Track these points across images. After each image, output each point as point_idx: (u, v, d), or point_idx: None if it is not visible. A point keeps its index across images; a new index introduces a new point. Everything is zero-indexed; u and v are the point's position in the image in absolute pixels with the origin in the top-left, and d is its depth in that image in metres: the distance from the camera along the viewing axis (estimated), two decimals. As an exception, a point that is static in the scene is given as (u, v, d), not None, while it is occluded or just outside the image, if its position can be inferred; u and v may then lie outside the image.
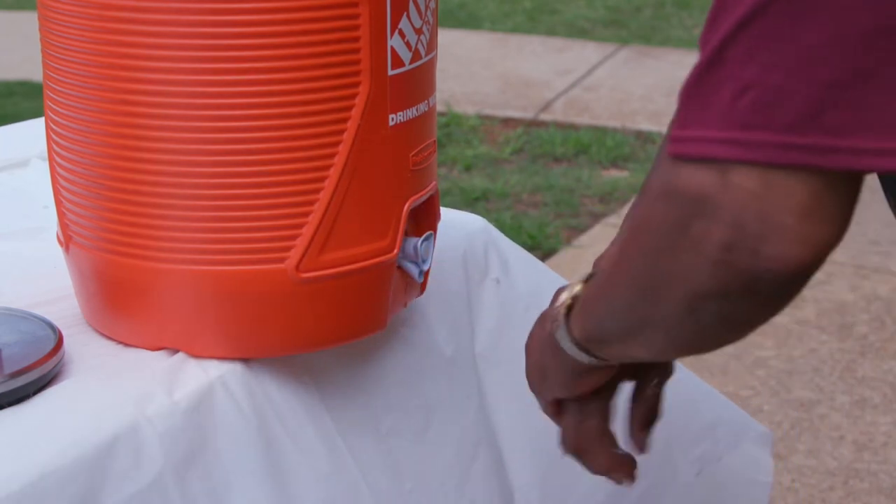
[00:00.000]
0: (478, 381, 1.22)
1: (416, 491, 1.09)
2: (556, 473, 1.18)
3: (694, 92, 0.77)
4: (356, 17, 1.00)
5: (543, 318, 0.98)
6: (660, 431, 1.14)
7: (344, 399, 1.09)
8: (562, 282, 1.33)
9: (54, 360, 1.04)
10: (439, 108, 4.37)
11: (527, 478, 1.17)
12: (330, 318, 1.08)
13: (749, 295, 0.78)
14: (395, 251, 1.08)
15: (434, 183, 1.14)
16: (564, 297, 0.95)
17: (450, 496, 1.11)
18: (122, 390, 1.02)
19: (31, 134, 1.51)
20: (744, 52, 0.74)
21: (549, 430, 1.04)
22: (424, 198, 1.11)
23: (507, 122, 4.42)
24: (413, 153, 1.08)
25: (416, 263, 1.13)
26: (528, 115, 4.46)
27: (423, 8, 1.06)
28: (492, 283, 1.26)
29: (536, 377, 1.00)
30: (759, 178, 0.74)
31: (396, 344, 1.15)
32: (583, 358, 0.94)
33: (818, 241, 0.75)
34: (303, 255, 1.03)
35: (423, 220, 1.14)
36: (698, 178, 0.76)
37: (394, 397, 1.13)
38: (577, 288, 0.95)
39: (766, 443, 1.33)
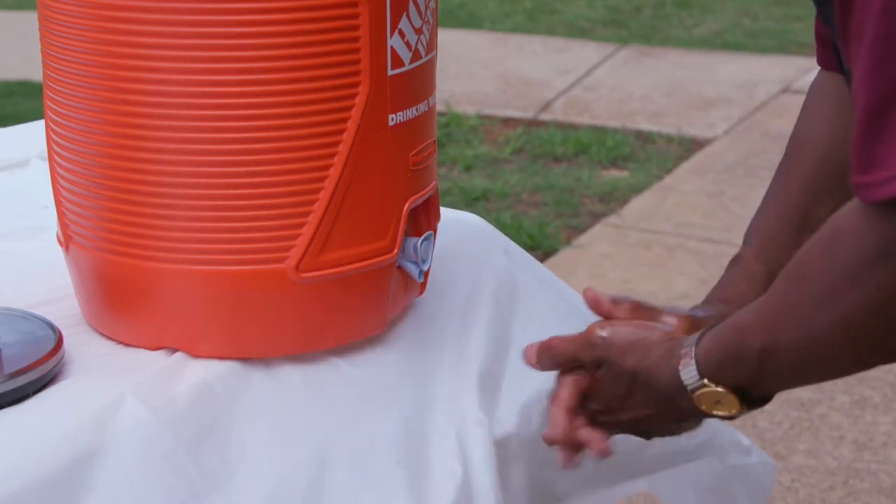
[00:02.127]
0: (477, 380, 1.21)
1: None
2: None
3: (877, 133, 0.73)
4: (356, 17, 1.00)
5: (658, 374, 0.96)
6: None
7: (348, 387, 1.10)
8: (560, 283, 1.33)
9: (54, 360, 1.04)
10: (439, 108, 4.37)
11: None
12: (330, 317, 1.08)
13: None
14: (395, 251, 1.08)
15: (434, 183, 1.14)
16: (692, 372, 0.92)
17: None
18: (123, 389, 1.02)
19: (31, 134, 1.51)
20: None
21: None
22: (424, 198, 1.11)
23: (507, 122, 4.42)
24: (413, 153, 1.08)
25: (416, 263, 1.13)
26: (528, 114, 4.46)
27: (422, 8, 1.06)
28: (490, 279, 1.26)
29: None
30: None
31: (397, 341, 1.15)
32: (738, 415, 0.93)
33: None
34: (303, 255, 1.03)
35: (423, 220, 1.14)
36: None
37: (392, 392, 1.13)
38: (730, 396, 0.91)
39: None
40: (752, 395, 0.91)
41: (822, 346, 0.83)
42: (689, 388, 0.92)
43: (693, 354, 0.92)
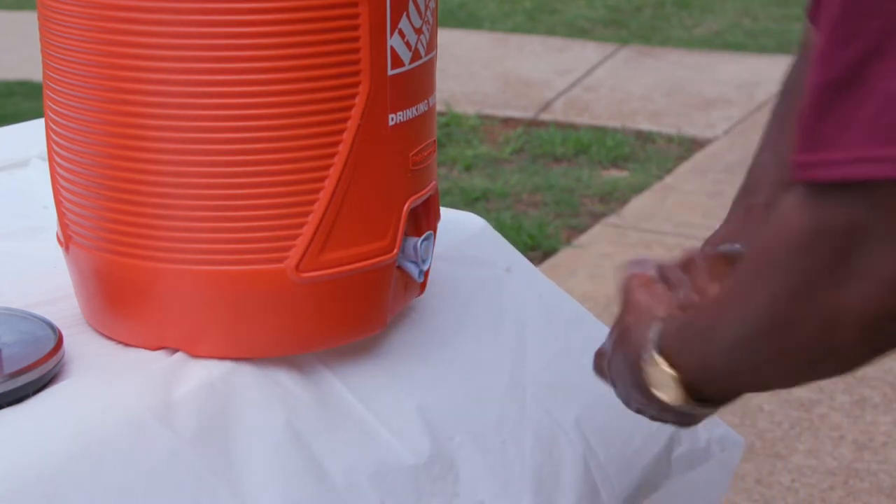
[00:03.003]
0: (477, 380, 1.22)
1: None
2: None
3: (827, 112, 0.71)
4: (356, 16, 1.00)
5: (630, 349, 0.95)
6: None
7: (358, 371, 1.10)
8: (554, 287, 1.33)
9: (54, 360, 1.04)
10: (439, 108, 4.37)
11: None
12: (330, 317, 1.08)
13: None
14: (395, 251, 1.08)
15: (434, 183, 1.14)
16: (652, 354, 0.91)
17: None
18: (123, 389, 1.02)
19: (31, 134, 1.51)
20: (891, 68, 0.69)
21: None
22: (424, 198, 1.11)
23: (507, 122, 4.42)
24: (413, 153, 1.08)
25: (416, 263, 1.13)
26: (528, 114, 4.46)
27: (422, 8, 1.06)
28: (491, 280, 1.26)
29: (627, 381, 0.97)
30: None
31: (396, 342, 1.15)
32: (685, 409, 0.91)
33: None
34: (303, 255, 1.03)
35: (423, 220, 1.14)
36: (851, 206, 0.72)
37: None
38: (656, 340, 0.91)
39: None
40: (698, 388, 0.89)
41: (755, 333, 0.81)
42: (642, 359, 0.91)
43: (659, 329, 0.92)
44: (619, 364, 0.97)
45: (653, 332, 0.91)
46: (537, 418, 1.15)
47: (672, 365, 0.89)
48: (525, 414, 1.15)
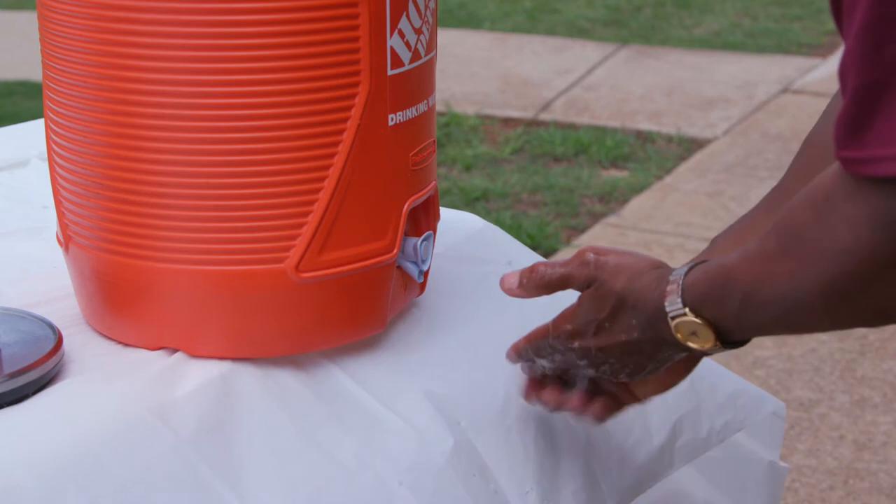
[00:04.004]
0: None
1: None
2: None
3: (874, 111, 0.75)
4: (356, 17, 1.00)
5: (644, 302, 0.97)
6: (687, 399, 1.20)
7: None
8: None
9: (54, 360, 1.04)
10: (439, 107, 4.37)
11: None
12: (330, 318, 1.08)
13: None
14: (395, 251, 1.08)
15: (434, 183, 1.14)
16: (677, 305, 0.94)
17: None
18: (123, 389, 1.02)
19: (31, 134, 1.51)
20: None
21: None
22: (424, 198, 1.11)
23: (507, 121, 4.42)
24: (413, 153, 1.08)
25: (416, 263, 1.13)
26: (528, 114, 4.46)
27: (422, 8, 1.06)
28: (493, 275, 1.26)
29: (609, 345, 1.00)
30: None
31: (396, 342, 1.15)
32: (714, 351, 0.95)
33: None
34: (302, 255, 1.03)
35: (423, 220, 1.14)
36: None
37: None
38: (707, 330, 0.93)
39: (781, 415, 1.35)
40: (729, 334, 0.94)
41: (803, 304, 0.86)
42: (670, 314, 0.94)
43: (680, 284, 0.94)
44: (619, 330, 0.99)
45: (672, 287, 0.94)
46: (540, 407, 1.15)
47: (699, 316, 0.93)
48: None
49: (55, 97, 1.07)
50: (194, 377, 1.04)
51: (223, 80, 0.99)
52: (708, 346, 0.94)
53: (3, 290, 1.18)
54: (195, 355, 1.06)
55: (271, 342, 1.07)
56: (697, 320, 0.93)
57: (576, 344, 1.02)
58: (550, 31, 5.38)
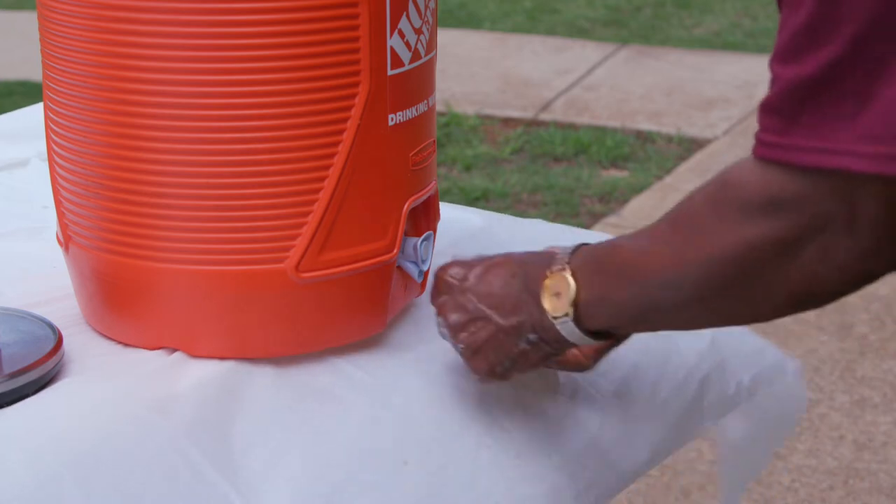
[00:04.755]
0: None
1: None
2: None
3: (804, 104, 0.77)
4: (356, 17, 1.00)
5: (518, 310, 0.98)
6: (712, 353, 1.21)
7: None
8: None
9: (54, 359, 1.04)
10: (439, 107, 4.37)
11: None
12: (330, 318, 1.08)
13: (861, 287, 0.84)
14: (395, 251, 1.08)
15: (434, 183, 1.14)
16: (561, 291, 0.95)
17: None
18: (122, 388, 1.02)
19: (30, 133, 1.51)
20: (867, 67, 0.75)
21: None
22: (424, 198, 1.11)
23: (507, 121, 4.42)
24: (413, 153, 1.08)
25: (416, 263, 1.13)
26: (528, 114, 4.46)
27: (422, 8, 1.06)
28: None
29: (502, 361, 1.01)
30: (885, 192, 0.78)
31: (397, 342, 1.15)
32: (590, 342, 0.97)
33: None
34: (302, 255, 1.03)
35: (423, 220, 1.14)
36: (823, 195, 0.79)
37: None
38: (571, 289, 0.95)
39: (801, 375, 1.35)
40: (589, 308, 0.94)
41: (683, 281, 0.88)
42: (550, 269, 0.96)
43: (570, 251, 0.96)
44: (495, 278, 1.00)
45: (562, 249, 0.97)
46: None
47: (574, 277, 0.94)
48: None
49: (55, 97, 1.07)
50: (193, 375, 1.04)
51: (223, 80, 0.99)
52: (559, 312, 0.95)
53: (3, 290, 1.18)
54: (195, 355, 1.06)
55: (271, 342, 1.07)
56: (570, 279, 0.94)
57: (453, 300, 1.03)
58: (550, 31, 5.38)
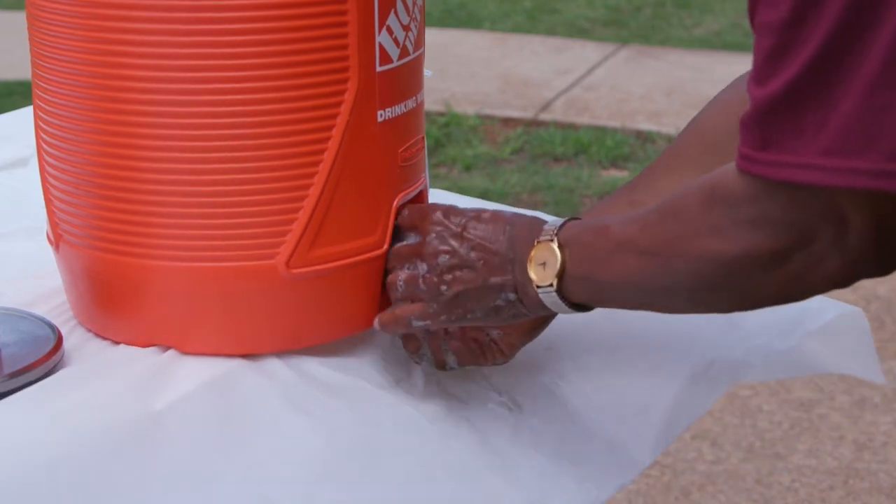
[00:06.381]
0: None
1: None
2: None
3: (778, 119, 0.80)
4: (344, 13, 1.00)
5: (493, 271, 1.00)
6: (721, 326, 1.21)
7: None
8: None
9: (54, 359, 1.04)
10: (439, 107, 4.37)
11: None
12: (320, 314, 1.08)
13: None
14: (385, 247, 1.08)
15: (423, 179, 1.14)
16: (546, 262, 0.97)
17: None
18: (114, 386, 1.02)
19: (30, 133, 1.51)
20: (824, 86, 0.78)
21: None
22: (413, 193, 1.12)
23: (507, 121, 4.42)
24: (402, 149, 1.08)
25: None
26: (528, 114, 4.46)
27: (410, 5, 1.06)
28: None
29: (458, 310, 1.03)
30: (868, 204, 0.80)
31: (387, 337, 1.15)
32: (568, 312, 0.99)
33: None
34: (293, 252, 1.03)
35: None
36: (807, 208, 0.82)
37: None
38: (557, 262, 0.97)
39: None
40: (574, 284, 0.96)
41: (670, 277, 0.91)
42: (539, 238, 0.98)
43: (560, 223, 0.98)
44: (483, 235, 1.01)
45: (550, 220, 0.99)
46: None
47: (560, 248, 0.97)
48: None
49: (44, 95, 1.07)
50: (187, 374, 1.04)
51: (212, 76, 0.99)
52: (544, 282, 0.96)
53: (3, 290, 1.18)
54: (187, 352, 1.06)
55: (262, 338, 1.07)
56: (557, 252, 0.96)
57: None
58: (550, 31, 5.38)
